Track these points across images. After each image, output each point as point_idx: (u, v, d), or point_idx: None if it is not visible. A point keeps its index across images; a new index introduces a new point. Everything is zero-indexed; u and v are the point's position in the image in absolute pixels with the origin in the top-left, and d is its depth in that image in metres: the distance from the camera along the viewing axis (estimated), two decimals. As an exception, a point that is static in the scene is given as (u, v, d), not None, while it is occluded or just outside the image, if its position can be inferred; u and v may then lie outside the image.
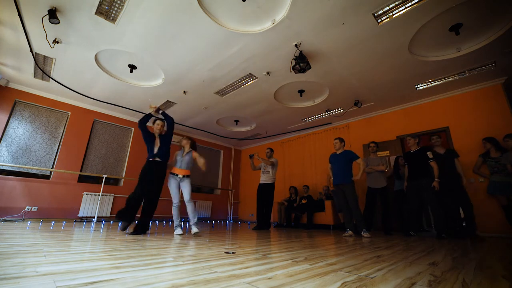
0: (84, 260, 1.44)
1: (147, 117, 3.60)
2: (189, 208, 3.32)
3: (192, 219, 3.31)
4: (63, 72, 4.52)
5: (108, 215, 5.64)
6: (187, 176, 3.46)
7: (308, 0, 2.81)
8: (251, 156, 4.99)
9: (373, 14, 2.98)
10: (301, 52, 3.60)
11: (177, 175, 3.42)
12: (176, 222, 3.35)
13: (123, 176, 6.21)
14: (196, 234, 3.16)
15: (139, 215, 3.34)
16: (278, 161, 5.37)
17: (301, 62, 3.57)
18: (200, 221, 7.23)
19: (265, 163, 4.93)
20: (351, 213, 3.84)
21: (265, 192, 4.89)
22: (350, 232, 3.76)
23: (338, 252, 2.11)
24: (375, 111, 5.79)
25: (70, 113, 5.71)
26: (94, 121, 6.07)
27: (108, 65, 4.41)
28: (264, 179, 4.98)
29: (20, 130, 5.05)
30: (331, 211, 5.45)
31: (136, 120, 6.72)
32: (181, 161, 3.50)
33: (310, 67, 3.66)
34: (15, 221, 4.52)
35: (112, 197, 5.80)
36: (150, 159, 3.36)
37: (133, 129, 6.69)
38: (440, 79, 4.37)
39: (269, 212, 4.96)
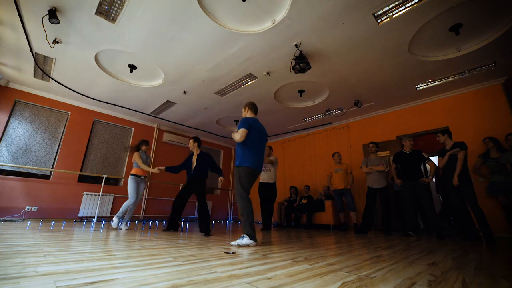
0: (84, 260, 1.44)
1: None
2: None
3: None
4: (63, 72, 4.52)
5: (108, 215, 5.64)
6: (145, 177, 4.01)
7: (308, 0, 2.81)
8: None
9: (373, 14, 2.98)
10: (301, 52, 3.60)
11: (139, 176, 3.90)
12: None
13: (123, 176, 6.21)
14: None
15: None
16: (278, 160, 5.12)
17: (301, 62, 3.57)
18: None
19: (266, 161, 4.79)
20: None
21: (270, 191, 4.73)
22: (253, 241, 2.36)
23: (338, 252, 2.11)
24: (375, 111, 5.78)
25: (70, 113, 5.70)
26: (94, 121, 6.06)
27: (108, 65, 4.41)
28: (266, 178, 4.79)
29: (20, 130, 5.05)
30: (331, 211, 5.45)
31: (136, 120, 6.73)
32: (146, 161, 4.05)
33: (310, 67, 3.66)
34: (15, 221, 4.52)
35: (112, 197, 5.79)
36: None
37: (133, 129, 6.69)
38: (440, 79, 4.36)
39: (272, 212, 4.83)
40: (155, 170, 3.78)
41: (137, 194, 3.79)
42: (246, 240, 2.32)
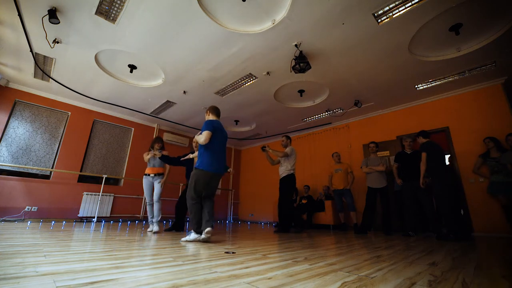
0: (84, 260, 1.44)
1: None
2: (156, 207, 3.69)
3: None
4: (63, 72, 4.52)
5: (108, 215, 5.64)
6: (159, 175, 3.78)
7: (308, 0, 2.81)
8: (263, 149, 4.35)
9: (373, 14, 2.98)
10: (301, 52, 3.60)
11: (149, 174, 3.75)
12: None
13: (123, 176, 6.21)
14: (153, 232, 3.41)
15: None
16: (294, 150, 4.43)
17: (301, 62, 3.57)
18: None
19: (276, 155, 4.34)
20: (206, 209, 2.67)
21: (280, 187, 4.28)
22: (199, 235, 2.55)
23: (338, 252, 2.10)
24: (375, 111, 5.78)
25: (70, 113, 5.71)
26: (94, 121, 6.06)
27: (108, 65, 4.41)
28: (279, 173, 4.38)
29: (20, 130, 5.05)
30: (331, 211, 5.45)
31: (136, 120, 6.73)
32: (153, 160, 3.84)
33: (310, 67, 3.66)
34: (15, 221, 4.52)
35: (112, 197, 5.79)
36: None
37: (133, 129, 6.69)
38: (440, 79, 4.36)
39: (281, 211, 4.20)
40: (149, 155, 3.70)
41: (148, 193, 3.71)
42: (193, 235, 2.55)
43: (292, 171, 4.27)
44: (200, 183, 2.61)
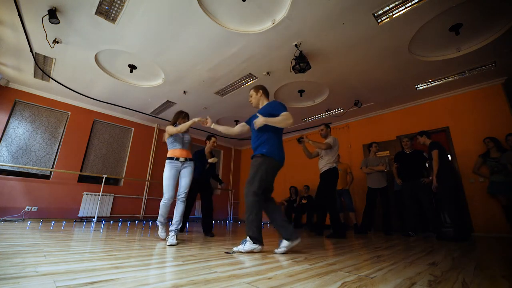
0: (84, 260, 1.44)
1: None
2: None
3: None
4: (63, 72, 4.52)
5: (108, 215, 5.64)
6: (190, 160, 2.75)
7: (308, 0, 2.81)
8: (300, 140, 3.72)
9: (373, 14, 2.98)
10: (301, 52, 3.60)
11: (177, 159, 2.68)
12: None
13: (123, 176, 6.21)
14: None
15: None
16: (337, 140, 3.77)
17: (301, 62, 3.57)
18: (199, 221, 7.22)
19: (318, 147, 3.66)
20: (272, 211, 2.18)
21: (321, 183, 3.73)
22: (257, 245, 1.96)
23: (338, 252, 2.10)
24: (375, 111, 5.78)
25: (70, 113, 5.71)
26: (94, 121, 6.06)
27: (108, 65, 4.41)
28: (319, 166, 3.79)
29: (20, 130, 5.05)
30: (331, 211, 5.44)
31: (136, 120, 6.73)
32: (182, 140, 2.80)
33: (310, 67, 3.66)
34: (15, 221, 4.52)
35: (112, 197, 5.79)
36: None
37: (133, 129, 6.69)
38: (440, 79, 4.36)
39: (324, 211, 3.82)
40: (197, 119, 2.66)
41: (172, 184, 2.59)
42: (248, 245, 1.93)
43: (334, 164, 3.64)
44: (270, 175, 2.08)
